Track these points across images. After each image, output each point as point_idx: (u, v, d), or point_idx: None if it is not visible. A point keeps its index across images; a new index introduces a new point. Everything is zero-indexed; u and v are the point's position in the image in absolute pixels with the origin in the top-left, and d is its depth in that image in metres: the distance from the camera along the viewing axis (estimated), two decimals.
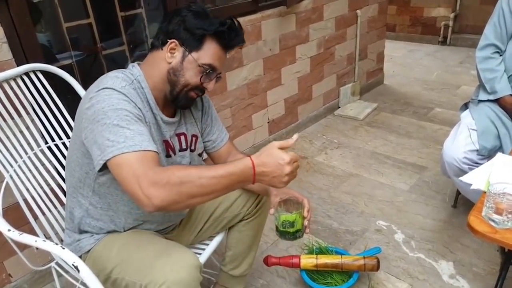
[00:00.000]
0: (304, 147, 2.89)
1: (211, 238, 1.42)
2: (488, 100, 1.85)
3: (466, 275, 1.71)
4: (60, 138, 1.51)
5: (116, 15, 1.92)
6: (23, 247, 1.37)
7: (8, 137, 1.38)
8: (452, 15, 4.93)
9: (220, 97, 2.39)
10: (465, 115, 1.90)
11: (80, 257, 1.16)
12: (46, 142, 1.49)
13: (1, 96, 1.37)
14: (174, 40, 1.08)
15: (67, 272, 1.29)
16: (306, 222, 1.19)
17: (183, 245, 1.16)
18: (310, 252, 1.74)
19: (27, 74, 1.43)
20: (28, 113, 1.45)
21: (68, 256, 1.06)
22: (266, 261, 1.65)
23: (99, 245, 1.17)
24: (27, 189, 1.37)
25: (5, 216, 1.28)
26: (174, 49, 1.09)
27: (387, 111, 3.37)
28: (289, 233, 1.17)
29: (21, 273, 1.71)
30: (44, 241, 1.13)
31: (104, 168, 0.96)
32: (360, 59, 3.46)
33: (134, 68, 1.12)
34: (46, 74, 1.48)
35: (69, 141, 1.50)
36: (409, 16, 5.34)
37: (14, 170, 1.36)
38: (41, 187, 1.40)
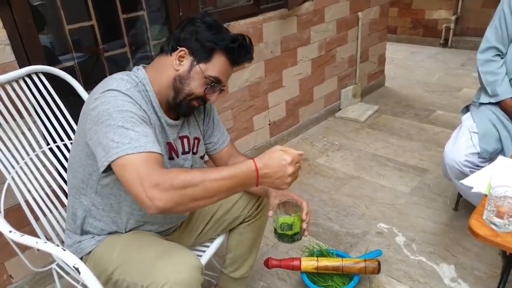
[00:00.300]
0: (305, 149, 2.89)
1: (211, 240, 1.42)
2: (490, 103, 1.84)
3: (467, 278, 1.71)
4: (62, 140, 1.51)
5: (118, 17, 1.92)
6: (24, 248, 1.37)
7: (10, 139, 1.38)
8: (453, 18, 4.93)
9: (221, 99, 2.39)
10: (466, 118, 1.90)
11: (81, 258, 1.17)
12: (48, 144, 1.50)
13: (3, 98, 1.37)
14: (184, 48, 1.09)
15: (68, 273, 1.29)
16: (304, 225, 1.18)
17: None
18: (311, 254, 1.74)
19: (29, 76, 1.44)
20: (30, 115, 1.45)
21: (69, 258, 1.07)
22: (267, 263, 1.65)
23: (100, 247, 1.17)
24: (29, 191, 1.37)
25: (7, 217, 1.28)
26: (183, 57, 1.10)
27: (388, 113, 3.37)
28: (287, 235, 1.16)
29: (22, 274, 1.72)
30: (45, 242, 1.13)
31: (108, 169, 0.96)
32: (361, 61, 3.46)
33: (139, 71, 1.13)
34: (48, 76, 1.48)
35: (70, 143, 1.51)
36: (410, 19, 5.34)
37: (16, 172, 1.37)
38: (43, 189, 1.41)
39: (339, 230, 2.05)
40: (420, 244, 1.92)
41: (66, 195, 1.39)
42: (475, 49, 1.98)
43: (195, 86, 1.11)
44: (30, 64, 1.50)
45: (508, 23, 1.77)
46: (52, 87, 1.48)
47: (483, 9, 4.73)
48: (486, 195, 1.20)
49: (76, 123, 1.18)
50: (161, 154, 0.97)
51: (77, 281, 1.27)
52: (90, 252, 1.18)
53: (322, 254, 1.73)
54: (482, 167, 1.60)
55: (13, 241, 1.20)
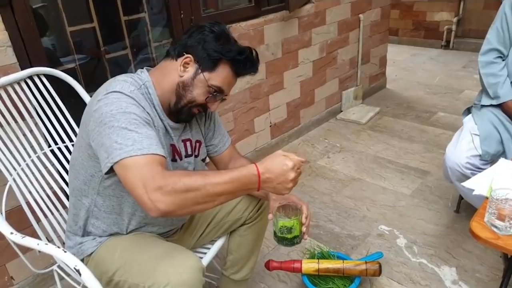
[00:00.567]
0: (307, 151, 2.89)
1: (212, 242, 1.42)
2: (491, 105, 1.84)
3: (469, 281, 1.70)
4: (63, 142, 1.52)
5: (120, 19, 1.93)
6: (25, 250, 1.37)
7: (11, 140, 1.39)
8: (455, 19, 4.93)
9: None
10: (468, 120, 1.89)
11: (82, 260, 1.17)
12: (49, 146, 1.50)
13: (5, 100, 1.38)
14: (190, 55, 1.09)
15: (69, 275, 1.30)
16: (304, 229, 1.18)
17: None
18: (312, 256, 1.74)
19: (31, 78, 1.44)
20: (31, 117, 1.45)
21: (69, 260, 1.07)
22: (268, 265, 1.65)
23: (102, 248, 1.17)
24: (30, 192, 1.38)
25: (8, 218, 1.28)
26: (188, 64, 1.10)
27: (389, 115, 3.37)
28: (286, 239, 1.16)
29: (23, 276, 1.72)
30: (46, 244, 1.14)
31: (111, 171, 0.96)
32: (363, 63, 3.46)
33: (143, 74, 1.13)
34: (50, 77, 1.49)
35: (72, 144, 1.51)
36: (412, 20, 5.34)
37: (17, 173, 1.37)
38: (44, 190, 1.41)
39: (340, 232, 2.04)
40: (421, 246, 1.91)
41: (67, 196, 1.40)
42: (476, 51, 1.98)
43: (197, 93, 1.11)
44: (31, 66, 1.50)
45: (509, 25, 1.77)
46: (54, 89, 1.48)
47: (485, 10, 4.73)
48: (487, 198, 1.20)
49: (78, 125, 1.18)
50: (164, 156, 0.97)
51: (78, 283, 1.27)
52: (92, 253, 1.18)
53: (323, 256, 1.73)
54: (484, 169, 1.60)
55: (14, 242, 1.20)
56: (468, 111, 2.00)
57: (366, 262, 1.62)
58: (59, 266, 1.33)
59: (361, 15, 3.23)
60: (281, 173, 0.98)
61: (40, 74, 1.46)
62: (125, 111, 0.98)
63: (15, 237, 1.17)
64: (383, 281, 1.72)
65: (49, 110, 1.48)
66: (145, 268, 1.05)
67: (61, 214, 1.43)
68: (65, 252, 1.09)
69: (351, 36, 3.24)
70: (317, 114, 3.21)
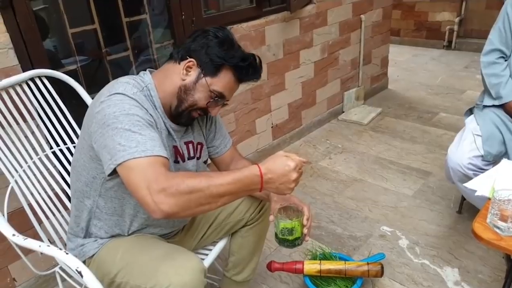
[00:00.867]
0: (308, 152, 2.89)
1: (214, 243, 1.42)
2: (493, 106, 1.83)
3: (471, 282, 1.70)
4: (65, 143, 1.52)
5: (121, 21, 1.93)
6: (27, 251, 1.38)
7: (13, 142, 1.39)
8: (457, 20, 4.92)
9: None
10: (470, 121, 1.89)
11: (84, 261, 1.17)
12: (51, 147, 1.50)
13: (7, 102, 1.38)
14: (193, 59, 1.10)
15: (71, 277, 1.30)
16: (305, 230, 1.18)
17: None
18: (314, 257, 1.74)
19: (32, 79, 1.44)
20: (33, 118, 1.46)
21: (71, 261, 1.07)
22: (270, 266, 1.65)
23: (103, 250, 1.17)
24: (32, 194, 1.38)
25: (10, 220, 1.28)
26: (191, 68, 1.10)
27: (391, 116, 3.36)
28: (288, 240, 1.16)
29: (25, 278, 1.72)
30: (48, 246, 1.14)
31: (114, 172, 0.96)
32: (364, 64, 3.46)
33: (145, 76, 1.13)
34: (51, 79, 1.49)
35: (73, 146, 1.51)
36: (413, 21, 5.33)
37: (19, 175, 1.37)
38: (46, 192, 1.41)
39: (342, 233, 2.04)
40: (423, 247, 1.91)
41: (69, 198, 1.40)
42: (479, 51, 1.97)
43: (199, 98, 1.11)
44: (33, 68, 1.51)
45: None
46: (55, 91, 1.48)
47: (487, 10, 4.72)
48: (489, 199, 1.19)
49: (79, 126, 1.19)
50: (167, 158, 0.97)
51: (80, 285, 1.27)
52: (93, 255, 1.18)
53: (325, 257, 1.73)
54: (486, 170, 1.59)
55: (16, 244, 1.20)
56: (470, 111, 1.99)
57: (368, 263, 1.62)
58: (61, 268, 1.33)
59: (362, 16, 3.23)
60: (283, 174, 0.99)
61: (42, 76, 1.46)
62: (128, 113, 0.98)
63: (17, 239, 1.17)
64: (385, 282, 1.72)
65: (51, 112, 1.48)
66: (146, 270, 1.05)
67: (63, 216, 1.43)
68: (67, 254, 1.09)
69: (353, 37, 3.24)
70: (319, 115, 3.21)
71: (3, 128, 1.38)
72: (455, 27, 4.96)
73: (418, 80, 4.16)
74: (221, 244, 1.40)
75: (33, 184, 1.39)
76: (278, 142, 2.88)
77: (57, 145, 1.51)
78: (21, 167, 1.39)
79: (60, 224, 1.41)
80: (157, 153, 0.95)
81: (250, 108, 2.59)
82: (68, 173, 1.44)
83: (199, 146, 1.27)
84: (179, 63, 1.12)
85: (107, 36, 1.90)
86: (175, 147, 1.18)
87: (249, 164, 1.26)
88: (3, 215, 1.30)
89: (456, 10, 4.94)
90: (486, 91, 1.88)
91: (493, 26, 1.85)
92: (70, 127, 1.52)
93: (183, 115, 1.14)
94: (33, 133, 1.45)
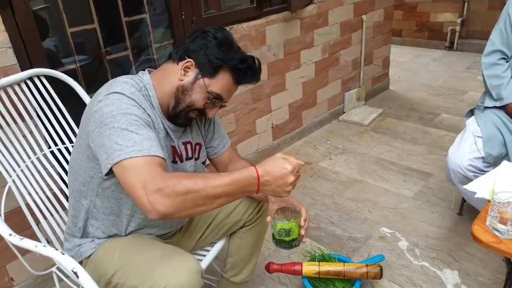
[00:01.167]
0: (308, 152, 2.88)
1: (212, 244, 1.42)
2: (494, 107, 1.82)
3: (471, 284, 1.69)
4: (63, 143, 1.51)
5: (121, 20, 1.93)
6: (25, 251, 1.37)
7: (11, 142, 1.39)
8: (459, 20, 4.91)
9: None
10: (471, 122, 1.88)
11: (81, 262, 1.17)
12: (49, 147, 1.50)
13: (5, 101, 1.38)
14: (191, 60, 1.09)
15: (68, 277, 1.30)
16: (303, 231, 1.17)
17: None
18: (313, 259, 1.73)
19: (31, 79, 1.44)
20: (31, 118, 1.45)
21: (67, 262, 1.06)
22: (268, 268, 1.64)
23: (100, 250, 1.17)
24: (29, 194, 1.38)
25: (7, 220, 1.28)
26: (189, 68, 1.10)
27: (392, 116, 3.35)
28: (285, 241, 1.15)
29: (23, 277, 1.72)
30: (45, 246, 1.13)
31: (111, 172, 0.96)
32: (366, 64, 3.45)
33: (144, 76, 1.13)
34: (50, 78, 1.49)
35: (72, 146, 1.51)
36: (415, 21, 5.32)
37: (17, 174, 1.37)
38: (43, 192, 1.41)
39: (342, 234, 2.03)
40: (423, 249, 1.90)
41: (67, 198, 1.39)
42: (480, 52, 1.96)
43: (196, 98, 1.11)
44: (32, 67, 1.50)
45: None
46: (54, 90, 1.48)
47: (489, 11, 4.70)
48: (489, 201, 1.19)
49: (78, 126, 1.18)
50: (164, 158, 0.97)
51: (77, 285, 1.27)
52: (90, 255, 1.17)
53: (324, 258, 1.72)
54: (486, 171, 1.58)
55: (13, 244, 1.20)
56: (471, 112, 1.98)
57: (367, 265, 1.61)
58: (58, 268, 1.33)
59: (364, 16, 3.22)
60: (280, 176, 0.98)
61: (40, 75, 1.46)
62: (126, 112, 0.97)
63: (14, 239, 1.16)
64: (384, 284, 1.71)
65: (49, 111, 1.48)
66: (143, 270, 1.04)
67: (60, 216, 1.43)
68: (63, 254, 1.09)
69: (354, 37, 3.23)
70: (319, 116, 3.20)
71: (1, 127, 1.38)
72: (457, 28, 4.94)
73: (420, 81, 4.15)
74: (219, 245, 1.39)
75: (30, 184, 1.39)
76: (278, 143, 2.88)
77: (55, 144, 1.50)
78: (19, 166, 1.39)
79: (58, 224, 1.41)
80: (154, 153, 0.94)
81: (250, 108, 2.58)
82: (66, 173, 1.44)
83: (197, 147, 1.27)
84: (177, 63, 1.11)
85: (107, 36, 1.89)
86: (173, 147, 1.18)
87: (247, 165, 1.26)
88: (0, 214, 1.30)
89: (458, 10, 4.93)
90: (487, 92, 1.87)
91: (495, 27, 1.84)
92: (69, 126, 1.52)
93: (181, 116, 1.13)
94: (31, 132, 1.45)
